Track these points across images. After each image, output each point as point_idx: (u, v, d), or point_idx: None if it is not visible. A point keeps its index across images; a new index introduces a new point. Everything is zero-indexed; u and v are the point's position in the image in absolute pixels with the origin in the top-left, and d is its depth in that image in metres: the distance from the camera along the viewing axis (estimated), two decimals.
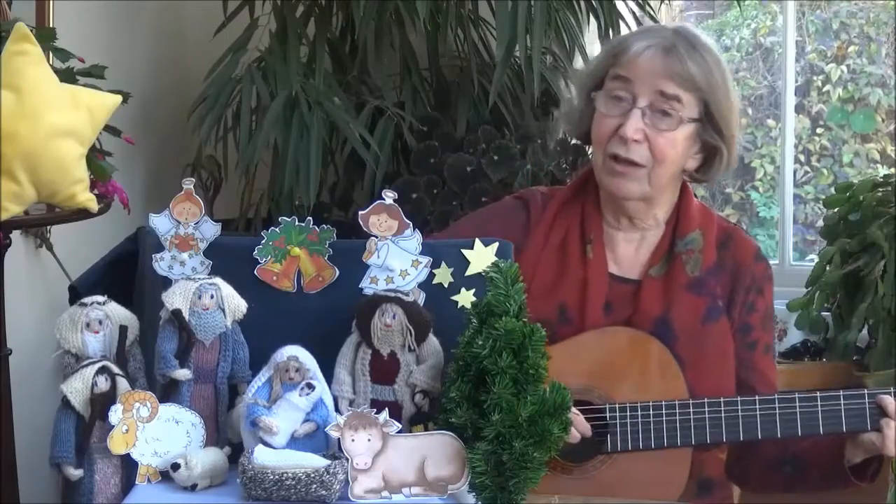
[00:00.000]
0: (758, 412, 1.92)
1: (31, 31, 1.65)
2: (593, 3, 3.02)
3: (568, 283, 2.05)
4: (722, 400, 1.93)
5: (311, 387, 1.64)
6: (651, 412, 1.93)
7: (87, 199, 1.67)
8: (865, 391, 1.93)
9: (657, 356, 1.99)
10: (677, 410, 1.93)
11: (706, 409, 1.93)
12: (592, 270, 2.06)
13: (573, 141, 2.91)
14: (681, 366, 1.99)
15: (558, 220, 2.10)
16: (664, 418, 1.93)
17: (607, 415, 1.93)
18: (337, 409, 1.68)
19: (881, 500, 2.71)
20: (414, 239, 1.75)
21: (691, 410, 1.93)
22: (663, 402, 1.93)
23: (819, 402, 1.92)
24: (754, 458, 2.08)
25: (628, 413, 1.93)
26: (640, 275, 2.08)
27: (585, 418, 1.92)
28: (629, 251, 2.11)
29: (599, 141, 2.06)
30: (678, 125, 2.01)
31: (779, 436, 1.93)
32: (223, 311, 1.70)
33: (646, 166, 2.02)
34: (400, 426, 1.60)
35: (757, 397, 1.94)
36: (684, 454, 1.97)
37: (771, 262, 2.17)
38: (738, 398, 1.94)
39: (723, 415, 1.92)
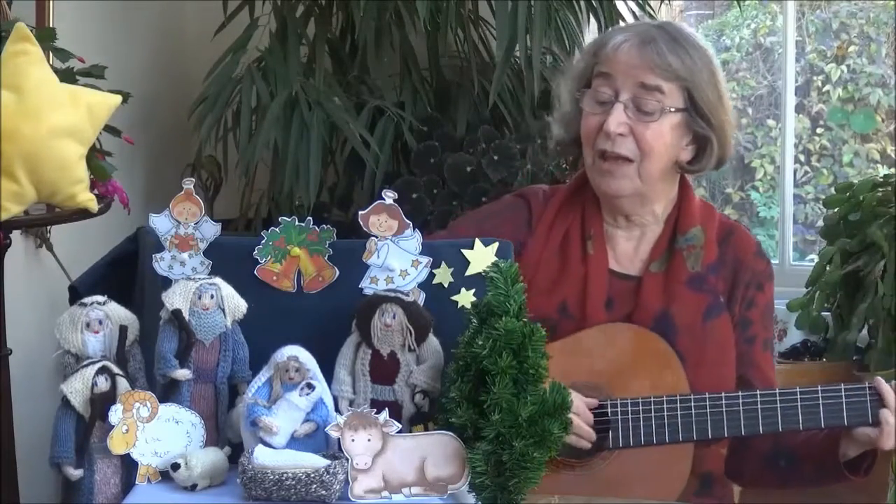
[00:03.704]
0: (759, 407, 1.92)
1: (31, 31, 1.65)
2: (593, 3, 3.02)
3: (569, 280, 2.06)
4: (723, 395, 1.93)
5: (311, 387, 1.64)
6: (652, 407, 1.93)
7: (87, 199, 1.67)
8: (867, 384, 1.92)
9: (658, 352, 1.99)
10: (678, 405, 1.93)
11: (707, 404, 1.93)
12: (593, 267, 2.07)
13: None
14: (682, 361, 1.99)
15: (559, 218, 2.11)
16: (665, 413, 1.92)
17: (609, 410, 1.93)
18: (337, 409, 1.67)
19: (881, 500, 2.71)
20: (414, 239, 1.75)
21: (692, 405, 1.92)
22: (664, 397, 1.93)
23: (820, 396, 1.91)
24: (749, 452, 2.08)
25: (629, 408, 1.93)
26: (640, 271, 2.09)
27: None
28: (629, 248, 2.11)
29: (588, 139, 2.07)
30: (662, 115, 2.02)
31: (780, 430, 1.92)
32: (223, 311, 1.70)
33: (633, 160, 2.03)
34: (400, 426, 1.60)
35: (758, 392, 1.93)
36: (686, 449, 1.97)
37: (771, 261, 2.17)
38: (740, 393, 1.93)
39: (724, 410, 1.92)
